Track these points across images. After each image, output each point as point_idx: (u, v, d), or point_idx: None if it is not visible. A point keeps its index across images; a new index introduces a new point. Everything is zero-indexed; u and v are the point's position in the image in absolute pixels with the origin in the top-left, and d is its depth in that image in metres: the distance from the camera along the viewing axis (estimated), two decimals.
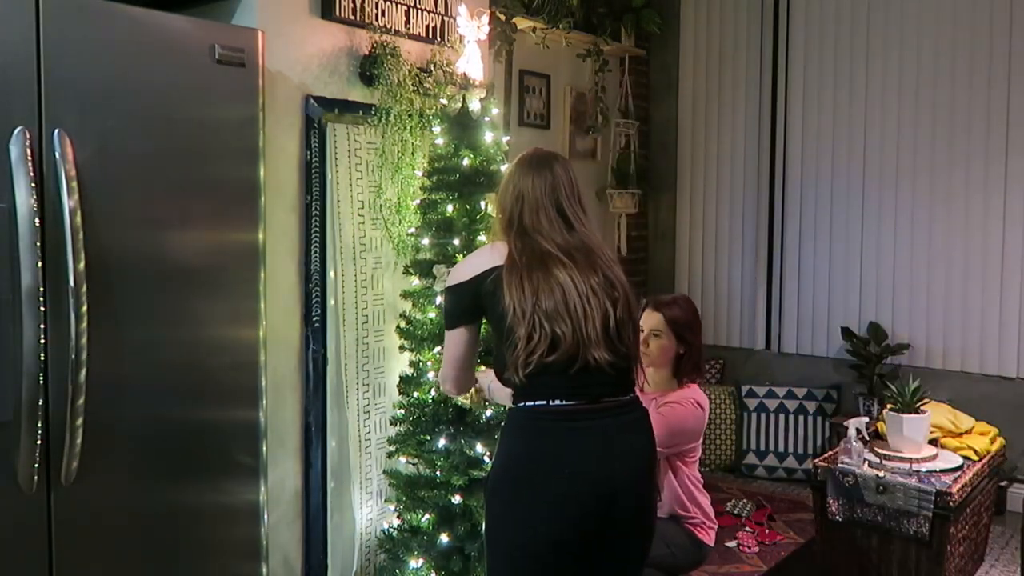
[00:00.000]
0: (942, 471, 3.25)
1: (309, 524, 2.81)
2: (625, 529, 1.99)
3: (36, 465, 1.92)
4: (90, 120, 2.00)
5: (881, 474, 3.20)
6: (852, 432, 3.33)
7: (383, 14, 2.90)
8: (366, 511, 2.96)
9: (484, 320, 2.10)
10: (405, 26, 2.97)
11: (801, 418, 4.78)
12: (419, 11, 3.02)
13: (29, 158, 1.87)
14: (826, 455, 3.53)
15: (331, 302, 2.83)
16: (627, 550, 2.03)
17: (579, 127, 5.03)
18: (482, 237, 2.71)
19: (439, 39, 3.07)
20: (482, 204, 2.75)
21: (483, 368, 2.39)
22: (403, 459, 2.83)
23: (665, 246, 5.56)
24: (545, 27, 4.41)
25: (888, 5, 4.66)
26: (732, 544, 3.78)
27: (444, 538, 2.67)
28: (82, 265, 1.93)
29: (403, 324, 2.84)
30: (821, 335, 4.97)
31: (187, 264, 2.22)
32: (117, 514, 2.11)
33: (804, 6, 4.94)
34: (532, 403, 1.97)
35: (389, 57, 2.83)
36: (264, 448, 2.42)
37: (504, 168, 2.52)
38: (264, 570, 2.43)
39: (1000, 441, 3.66)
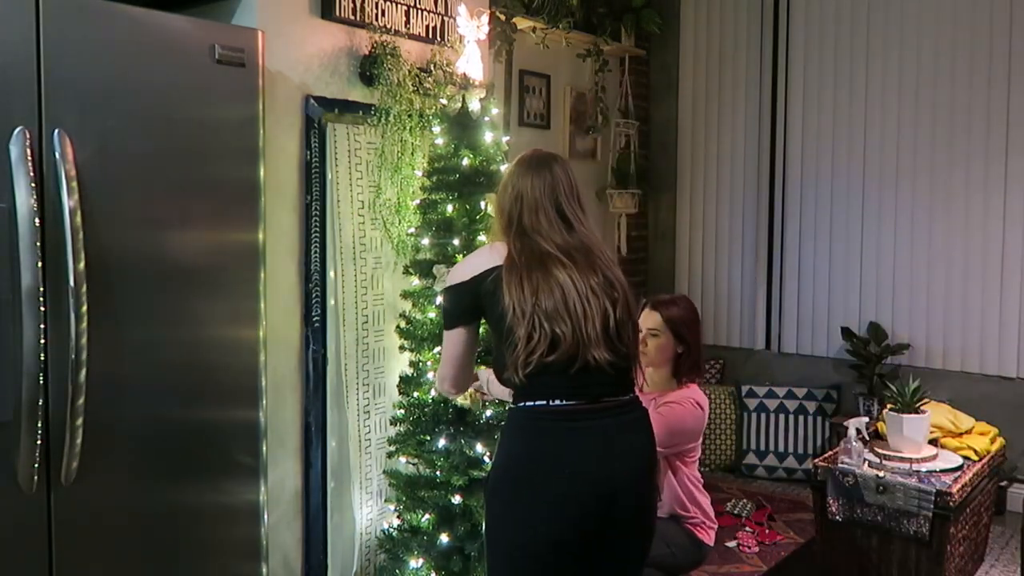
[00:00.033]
0: (942, 471, 3.25)
1: (309, 524, 2.81)
2: (625, 529, 1.99)
3: (36, 465, 1.92)
4: (90, 120, 2.00)
5: (881, 474, 3.20)
6: (852, 432, 3.33)
7: (383, 14, 2.90)
8: (366, 511, 2.96)
9: (483, 320, 2.10)
10: (405, 26, 2.97)
11: (801, 418, 4.78)
12: (419, 11, 3.02)
13: (29, 158, 1.87)
14: (826, 455, 3.53)
15: (331, 302, 2.83)
16: (627, 550, 2.03)
17: (579, 127, 5.03)
18: (482, 237, 2.71)
19: (439, 39, 3.07)
20: (482, 204, 2.75)
21: (483, 367, 2.39)
22: (403, 459, 2.83)
23: (665, 246, 5.56)
24: (545, 27, 4.41)
25: (888, 5, 4.66)
26: (732, 544, 3.78)
27: (444, 538, 2.67)
28: (82, 265, 1.93)
29: (403, 324, 2.84)
30: (821, 335, 4.97)
31: (187, 264, 2.22)
32: (117, 514, 2.11)
33: (804, 6, 4.94)
34: (532, 403, 1.97)
35: (389, 57, 2.83)
36: (264, 448, 2.42)
37: (504, 168, 2.52)
38: (264, 570, 2.43)
39: (1000, 441, 3.66)
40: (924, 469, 3.25)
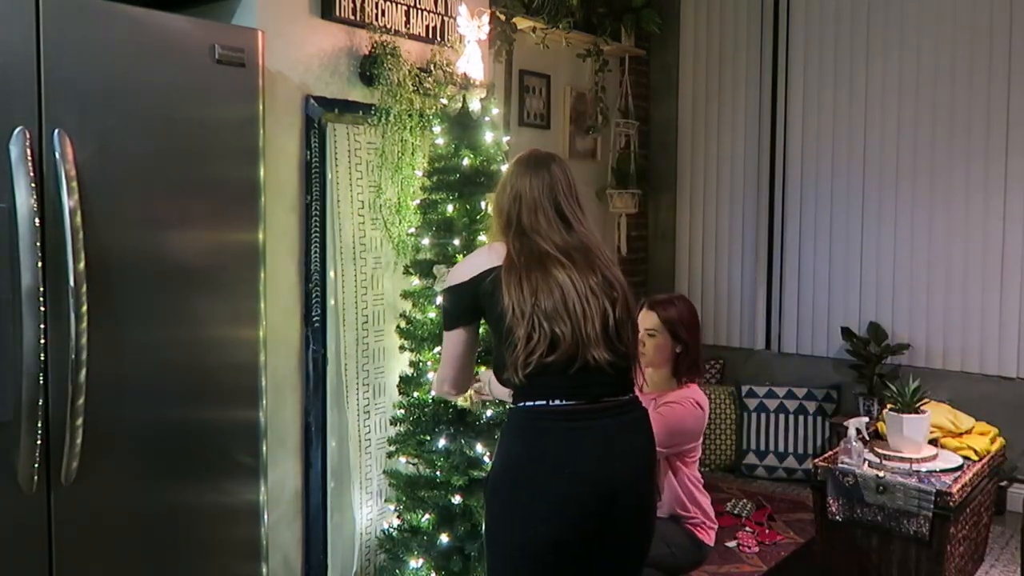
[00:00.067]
0: (942, 471, 3.25)
1: (309, 524, 2.81)
2: (625, 529, 1.99)
3: (36, 465, 1.92)
4: (90, 120, 2.00)
5: (881, 474, 3.20)
6: (852, 432, 3.33)
7: (383, 14, 2.90)
8: (366, 511, 2.96)
9: (483, 320, 2.10)
10: (405, 26, 2.97)
11: (801, 418, 4.78)
12: (419, 11, 3.02)
13: (29, 158, 1.87)
14: (826, 455, 3.53)
15: (331, 302, 2.83)
16: (627, 550, 2.03)
17: (579, 127, 5.03)
18: (482, 237, 2.71)
19: (439, 39, 3.07)
20: (482, 204, 2.75)
21: (483, 368, 2.39)
22: (403, 459, 2.83)
23: (665, 246, 5.56)
24: (545, 27, 4.41)
25: (888, 5, 4.66)
26: (732, 544, 3.78)
27: (444, 538, 2.67)
28: (82, 265, 1.93)
29: (403, 324, 2.84)
30: (821, 335, 4.97)
31: (187, 264, 2.22)
32: (117, 514, 2.11)
33: (804, 6, 4.94)
34: (532, 403, 1.97)
35: (389, 57, 2.83)
36: (264, 448, 2.42)
37: (504, 168, 2.52)
38: (264, 570, 2.43)
39: (1000, 441, 3.66)
40: (924, 469, 3.25)
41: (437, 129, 2.84)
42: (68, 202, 1.91)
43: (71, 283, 1.91)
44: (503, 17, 4.12)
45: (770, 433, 4.80)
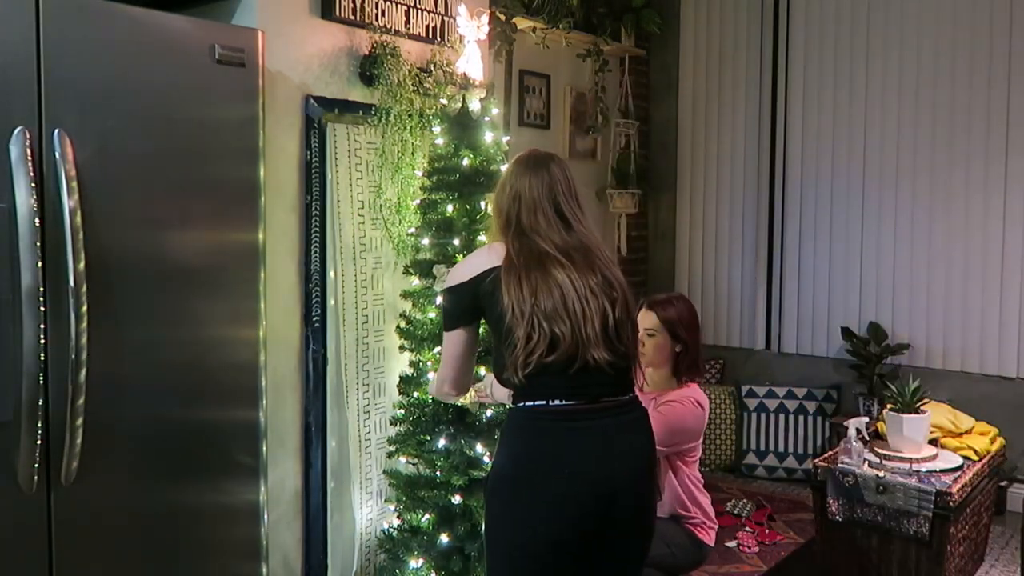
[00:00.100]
0: (942, 471, 3.25)
1: (309, 524, 2.81)
2: (625, 529, 1.99)
3: (36, 465, 1.92)
4: (90, 120, 2.00)
5: (881, 474, 3.20)
6: (852, 432, 3.33)
7: (383, 14, 2.90)
8: (366, 511, 2.96)
9: (483, 321, 2.10)
10: (405, 26, 2.97)
11: (801, 418, 4.78)
12: (419, 11, 3.02)
13: (29, 158, 1.87)
14: (826, 455, 3.53)
15: (331, 302, 2.83)
16: (627, 550, 2.03)
17: (579, 127, 5.03)
18: (482, 237, 2.71)
19: (439, 39, 3.07)
20: (482, 204, 2.75)
21: (483, 368, 2.39)
22: (403, 459, 2.83)
23: (665, 246, 5.56)
24: (545, 27, 4.41)
25: (888, 5, 4.66)
26: (732, 544, 3.78)
27: (444, 538, 2.67)
28: (82, 265, 1.93)
29: (403, 324, 2.84)
30: (821, 335, 4.97)
31: (187, 264, 2.22)
32: (117, 514, 2.11)
33: (804, 6, 4.94)
34: (532, 403, 1.96)
35: (389, 57, 2.83)
36: (264, 448, 2.42)
37: (504, 168, 2.52)
38: (264, 570, 2.43)
39: (1000, 441, 3.66)
40: (924, 469, 3.25)
41: (437, 129, 2.84)
42: (68, 202, 1.91)
43: (71, 283, 1.91)
44: (503, 17, 4.12)
45: (770, 433, 4.80)
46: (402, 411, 2.78)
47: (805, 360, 5.02)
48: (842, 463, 3.30)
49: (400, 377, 2.84)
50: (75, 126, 1.97)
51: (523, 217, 2.03)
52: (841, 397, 4.81)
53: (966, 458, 3.41)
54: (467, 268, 2.08)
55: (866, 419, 3.73)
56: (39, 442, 1.92)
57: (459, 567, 2.65)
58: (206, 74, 2.23)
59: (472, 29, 2.87)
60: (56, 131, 1.93)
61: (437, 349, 2.68)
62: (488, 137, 2.80)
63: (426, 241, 2.80)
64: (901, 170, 4.67)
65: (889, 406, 3.45)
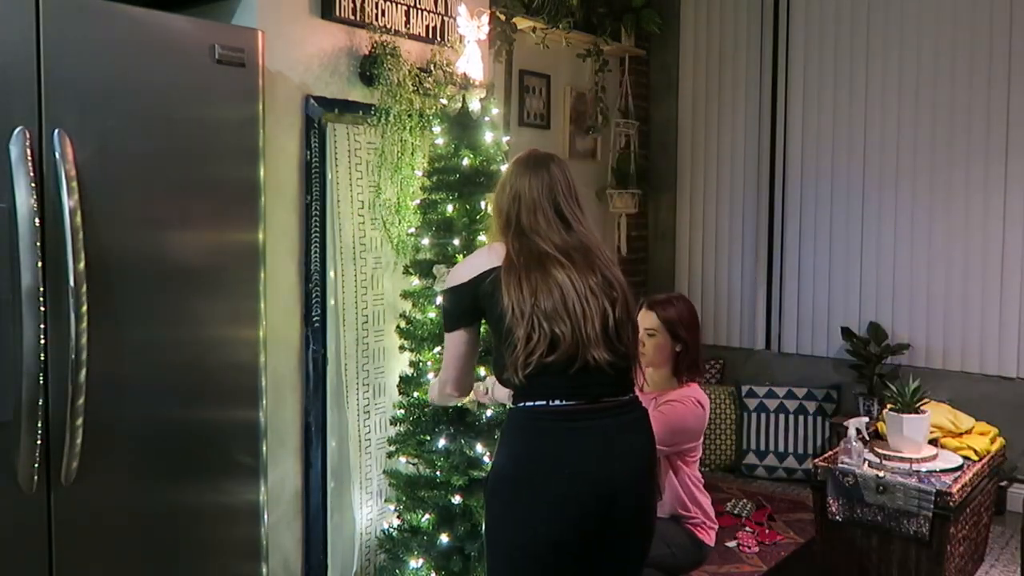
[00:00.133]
0: (942, 471, 3.25)
1: (309, 524, 2.81)
2: (625, 529, 1.99)
3: (36, 465, 1.92)
4: (90, 120, 2.00)
5: (881, 474, 3.20)
6: (852, 432, 3.33)
7: (383, 14, 2.90)
8: (366, 511, 2.96)
9: (483, 321, 2.10)
10: (405, 26, 2.97)
11: (801, 418, 4.78)
12: (419, 11, 3.02)
13: (29, 158, 1.87)
14: (826, 455, 3.53)
15: (331, 302, 2.83)
16: (627, 550, 2.03)
17: (579, 127, 5.03)
18: (482, 237, 2.71)
19: (439, 39, 3.07)
20: (482, 204, 2.75)
21: (483, 369, 2.39)
22: (403, 459, 2.83)
23: (665, 246, 5.56)
24: (545, 27, 4.41)
25: (888, 5, 4.66)
26: (732, 544, 3.78)
27: (444, 538, 2.67)
28: (82, 265, 1.93)
29: (403, 324, 2.84)
30: (821, 335, 4.97)
31: (187, 264, 2.22)
32: (117, 514, 2.11)
33: (804, 6, 4.94)
34: (532, 403, 1.96)
35: (389, 57, 2.83)
36: (264, 448, 2.42)
37: (504, 168, 2.52)
38: (264, 570, 2.43)
39: (1000, 441, 3.66)
40: (924, 469, 3.25)
41: (437, 129, 2.84)
42: (68, 202, 1.91)
43: (71, 283, 1.91)
44: (503, 17, 4.12)
45: (770, 433, 4.80)
46: (402, 411, 2.78)
47: (805, 360, 5.02)
48: (842, 463, 3.30)
49: (400, 377, 2.84)
50: (75, 126, 1.97)
51: (523, 217, 2.03)
52: (841, 397, 4.81)
53: (966, 458, 3.41)
54: (467, 269, 2.08)
55: (866, 419, 3.73)
56: (39, 442, 1.92)
57: (459, 567, 2.65)
58: (206, 74, 2.23)
59: (472, 29, 2.87)
60: (56, 131, 1.93)
61: (437, 349, 2.68)
62: (488, 137, 2.80)
63: (426, 241, 2.80)
64: (901, 170, 4.67)
65: (889, 406, 3.45)
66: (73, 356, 1.92)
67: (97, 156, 2.01)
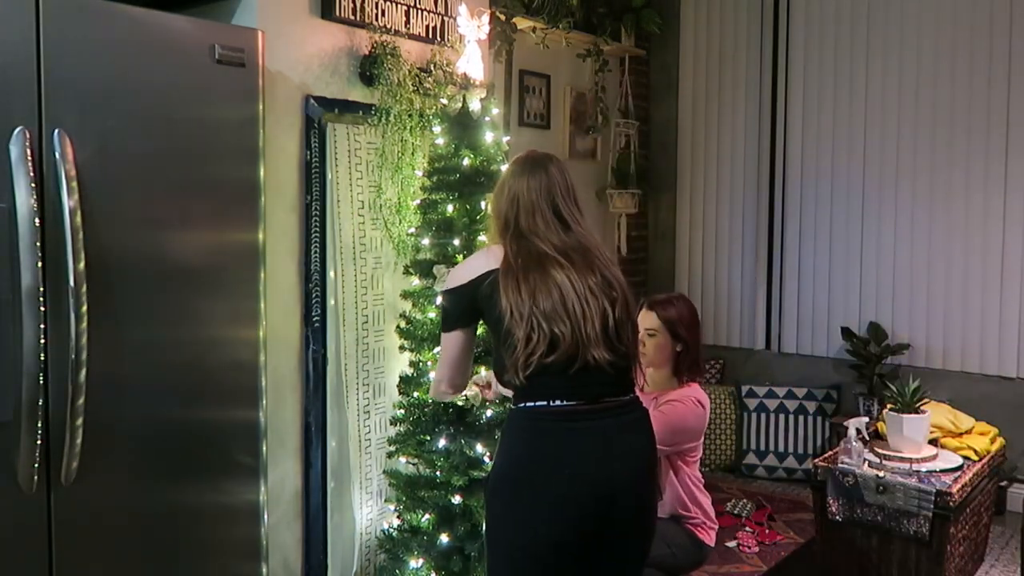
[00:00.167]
0: (942, 471, 3.25)
1: (309, 524, 2.81)
2: (625, 529, 1.99)
3: (36, 465, 1.92)
4: (90, 120, 2.00)
5: (881, 474, 3.20)
6: (852, 432, 3.33)
7: (383, 14, 2.90)
8: (366, 511, 2.96)
9: (482, 322, 2.10)
10: (405, 26, 2.97)
11: (801, 418, 4.78)
12: (419, 11, 3.02)
13: (29, 158, 1.87)
14: (826, 455, 3.53)
15: (331, 302, 2.83)
16: (627, 550, 2.03)
17: (579, 127, 5.03)
18: (482, 237, 2.71)
19: (439, 39, 3.07)
20: (482, 204, 2.75)
21: (483, 369, 2.39)
22: (403, 459, 2.83)
23: (665, 246, 5.56)
24: (545, 27, 4.41)
25: (888, 5, 4.66)
26: (732, 544, 3.78)
27: (444, 538, 2.67)
28: (82, 265, 1.93)
29: (403, 324, 2.84)
30: (821, 335, 4.97)
31: (187, 264, 2.22)
32: (117, 514, 2.11)
33: (804, 6, 4.94)
34: (532, 404, 1.96)
35: (389, 57, 2.83)
36: (264, 448, 2.42)
37: (504, 168, 2.52)
38: (264, 570, 2.43)
39: (1000, 441, 3.66)
40: (924, 469, 3.25)
41: (437, 129, 2.84)
42: (68, 202, 1.91)
43: (71, 283, 1.91)
44: (503, 17, 4.12)
45: (770, 433, 4.80)
46: (402, 411, 2.78)
47: (805, 360, 5.02)
48: (842, 463, 3.30)
49: (400, 377, 2.84)
50: (75, 126, 1.97)
51: (521, 219, 2.03)
52: (841, 397, 4.81)
53: (966, 458, 3.41)
54: (466, 271, 2.08)
55: (866, 419, 3.73)
56: (39, 442, 1.92)
57: (459, 567, 2.65)
58: (206, 74, 2.23)
59: (472, 29, 2.87)
60: (56, 131, 1.93)
61: (437, 349, 2.68)
62: (488, 137, 2.80)
63: (426, 241, 2.80)
64: (901, 170, 4.67)
65: (889, 406, 3.45)
66: (73, 356, 1.92)
67: (97, 156, 2.01)
